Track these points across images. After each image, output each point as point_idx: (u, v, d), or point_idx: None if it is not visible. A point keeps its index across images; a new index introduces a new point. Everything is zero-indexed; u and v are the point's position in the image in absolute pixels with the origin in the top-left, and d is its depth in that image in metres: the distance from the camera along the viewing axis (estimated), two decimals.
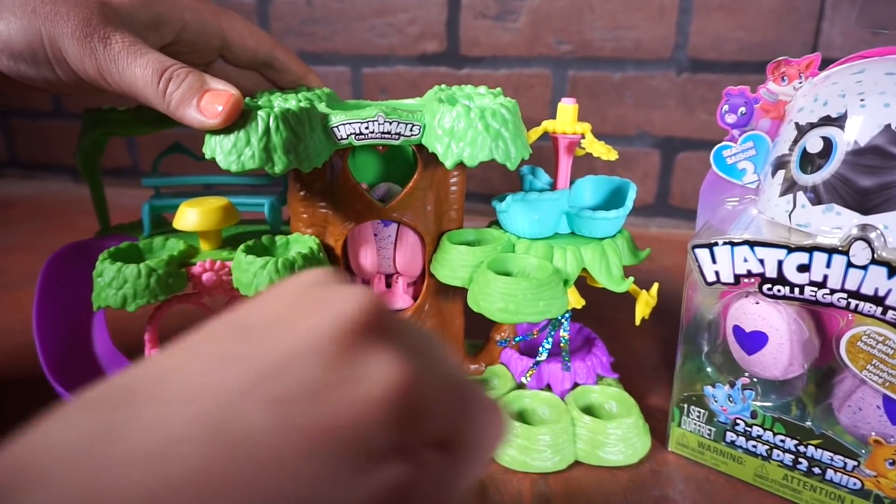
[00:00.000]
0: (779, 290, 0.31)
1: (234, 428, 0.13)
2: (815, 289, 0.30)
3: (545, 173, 0.46)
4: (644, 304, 0.39)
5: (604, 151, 0.37)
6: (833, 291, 0.29)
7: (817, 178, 0.30)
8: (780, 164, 0.32)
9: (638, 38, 0.71)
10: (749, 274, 0.32)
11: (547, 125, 0.39)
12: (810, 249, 0.29)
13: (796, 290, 0.30)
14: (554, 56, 0.75)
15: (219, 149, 0.31)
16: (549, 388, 0.41)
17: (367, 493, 0.13)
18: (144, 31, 0.33)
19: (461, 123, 0.32)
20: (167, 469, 0.12)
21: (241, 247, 0.36)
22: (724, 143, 0.36)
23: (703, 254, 0.33)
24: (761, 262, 0.31)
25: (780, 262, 0.30)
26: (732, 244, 0.32)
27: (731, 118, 0.36)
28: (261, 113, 0.31)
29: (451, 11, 0.76)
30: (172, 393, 0.13)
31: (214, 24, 0.36)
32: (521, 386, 0.41)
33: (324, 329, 0.15)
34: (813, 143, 0.30)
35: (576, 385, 0.41)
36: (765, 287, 0.31)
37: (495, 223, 0.41)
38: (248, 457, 0.12)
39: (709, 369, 0.35)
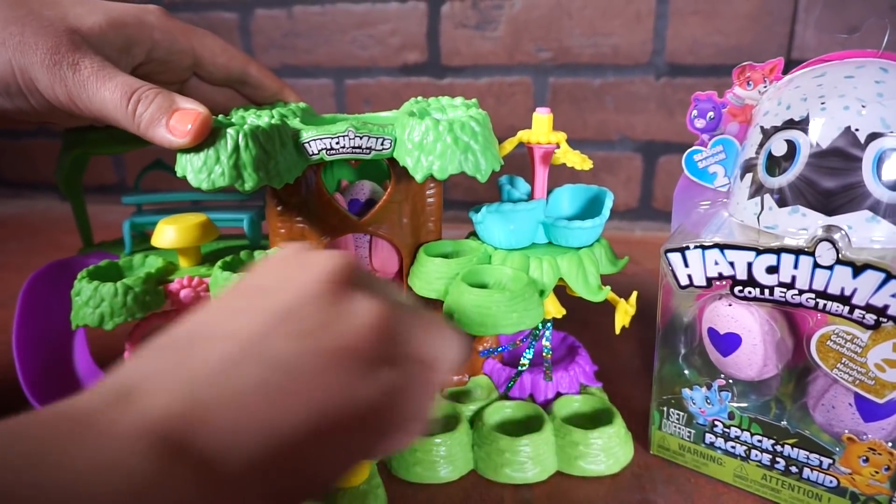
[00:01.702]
0: (750, 292, 0.31)
1: (269, 355, 0.18)
2: (785, 290, 0.30)
3: (524, 182, 0.46)
4: (623, 313, 0.39)
5: (578, 161, 0.38)
6: (801, 292, 0.30)
7: (783, 180, 0.31)
8: (748, 167, 0.33)
9: (616, 44, 0.72)
10: (720, 276, 0.32)
11: (522, 135, 0.39)
12: (778, 251, 0.30)
13: (766, 291, 0.31)
14: (534, 64, 0.75)
15: (189, 167, 0.32)
16: (531, 398, 0.41)
17: (373, 390, 0.18)
18: (115, 53, 0.33)
19: (430, 137, 0.33)
20: (235, 380, 0.17)
21: (219, 263, 0.37)
22: (694, 148, 0.37)
23: (675, 258, 0.33)
24: (731, 264, 0.31)
25: (749, 265, 0.31)
26: (703, 247, 0.32)
27: (700, 123, 0.36)
28: (230, 130, 0.31)
29: (432, 22, 0.77)
30: (218, 336, 0.18)
31: (185, 42, 0.37)
32: (504, 396, 0.41)
33: (317, 281, 0.20)
34: (778, 147, 0.31)
35: (558, 395, 0.41)
36: (736, 289, 0.32)
37: (474, 234, 0.41)
38: (286, 372, 0.17)
39: (686, 372, 0.36)
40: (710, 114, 0.36)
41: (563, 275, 0.37)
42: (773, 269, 0.30)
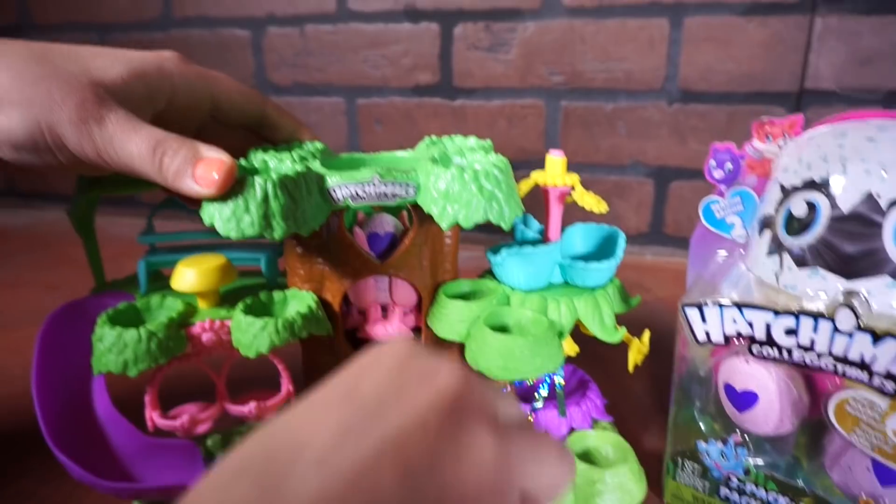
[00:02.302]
0: (768, 352, 0.32)
1: (370, 490, 0.15)
2: (804, 352, 0.30)
3: (535, 220, 0.46)
4: (636, 352, 0.39)
5: (594, 204, 0.38)
6: (821, 356, 0.30)
7: (802, 241, 0.31)
8: (767, 223, 0.33)
9: (629, 69, 0.72)
10: (738, 335, 0.32)
11: (536, 177, 0.40)
12: (797, 314, 0.30)
13: (785, 352, 0.31)
14: (546, 87, 0.75)
15: (217, 216, 0.32)
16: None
17: None
18: (138, 104, 0.34)
19: (456, 186, 0.33)
20: None
21: (240, 305, 0.37)
22: (712, 198, 0.37)
23: (692, 313, 0.33)
24: (750, 324, 0.32)
25: (768, 325, 0.31)
26: (721, 306, 0.32)
27: (718, 174, 0.36)
28: (258, 180, 0.32)
29: (444, 43, 0.77)
30: (313, 461, 0.16)
31: (203, 87, 0.37)
32: None
33: (430, 404, 0.18)
34: (798, 207, 0.31)
35: (572, 430, 0.41)
36: (754, 348, 0.32)
37: (489, 272, 0.42)
38: None
39: (701, 424, 0.36)
40: (729, 165, 0.36)
41: (581, 316, 0.38)
42: (791, 332, 0.30)
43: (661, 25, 0.69)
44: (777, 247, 0.32)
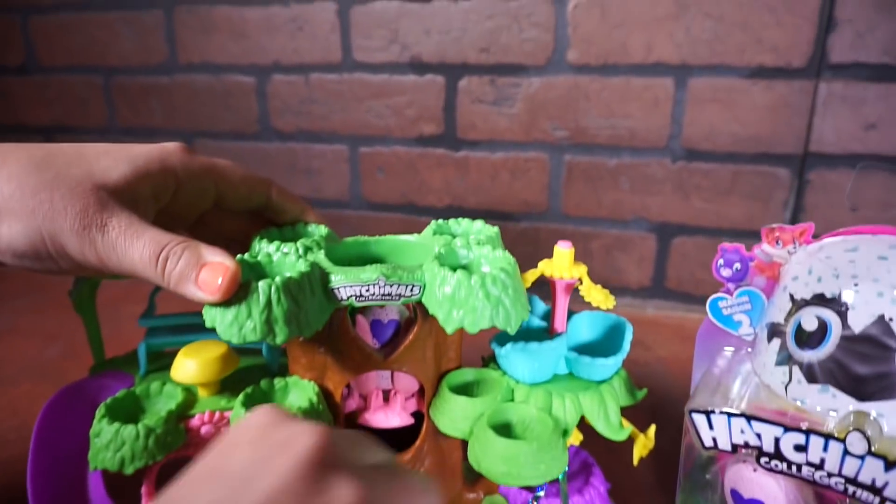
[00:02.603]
0: (776, 465, 0.31)
1: None
2: (813, 469, 0.30)
3: (540, 301, 0.46)
4: (642, 447, 0.39)
5: (602, 299, 0.38)
6: (831, 475, 0.29)
7: (813, 356, 0.30)
8: (776, 332, 0.33)
9: (633, 126, 0.72)
10: (746, 445, 0.32)
11: (544, 268, 0.39)
12: (807, 432, 0.29)
13: (794, 467, 0.30)
14: (550, 141, 0.76)
15: (219, 320, 0.31)
16: None
17: None
18: (143, 202, 0.33)
19: (462, 292, 0.33)
20: None
21: (241, 397, 0.36)
22: (719, 295, 0.37)
23: (700, 419, 0.33)
24: (758, 436, 0.31)
25: (776, 439, 0.31)
26: (730, 415, 0.32)
27: (726, 272, 0.36)
28: (261, 285, 0.31)
29: (448, 96, 0.77)
30: None
31: (207, 180, 0.37)
32: None
33: (292, 469, 0.20)
34: (808, 321, 0.31)
35: None
36: (762, 459, 0.31)
37: (493, 360, 0.41)
38: None
39: None
40: (737, 265, 0.36)
41: (585, 413, 0.37)
42: (801, 448, 0.30)
43: (666, 85, 0.70)
44: (787, 358, 0.32)
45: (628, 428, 0.37)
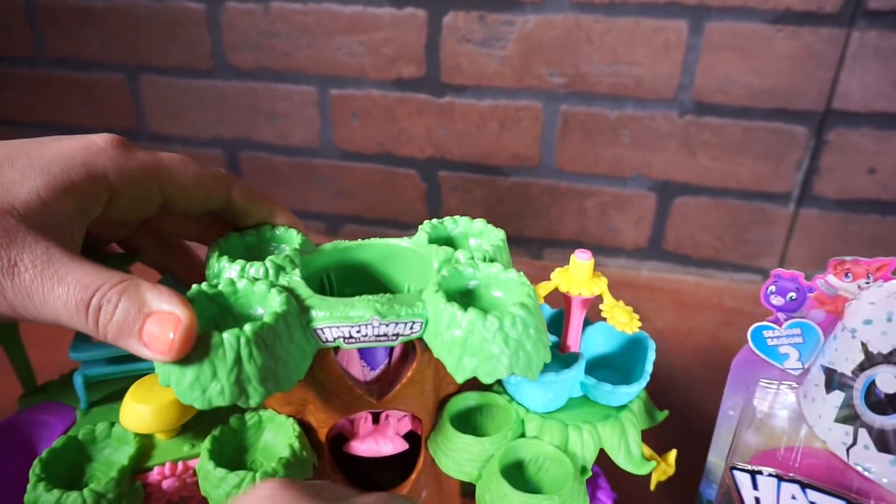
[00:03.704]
0: None
1: None
2: None
3: (547, 305, 0.40)
4: (661, 473, 0.35)
5: (627, 323, 0.32)
6: None
7: (888, 423, 0.26)
8: (840, 384, 0.28)
9: (639, 74, 0.65)
10: None
11: (559, 281, 0.34)
12: None
13: None
14: (545, 89, 0.68)
15: (175, 380, 0.25)
16: None
17: None
18: (64, 223, 0.26)
19: (475, 337, 0.27)
20: None
21: (207, 443, 0.31)
22: (765, 324, 0.32)
23: (743, 478, 0.29)
24: None
25: None
26: (780, 479, 0.28)
27: (777, 300, 0.31)
28: (228, 339, 0.25)
29: (431, 33, 0.68)
30: None
31: (149, 182, 0.29)
32: None
33: None
34: (886, 381, 0.26)
35: None
36: None
37: (499, 382, 0.36)
38: None
39: None
40: (792, 294, 0.30)
41: (605, 446, 0.33)
42: None
43: (680, 28, 0.62)
44: (852, 418, 0.27)
45: (652, 462, 0.33)
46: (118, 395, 0.32)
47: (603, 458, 0.42)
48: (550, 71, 0.67)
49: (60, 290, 0.24)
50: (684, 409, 0.52)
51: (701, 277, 0.73)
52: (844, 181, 0.64)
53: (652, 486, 0.36)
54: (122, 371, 0.35)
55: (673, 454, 0.36)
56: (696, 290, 0.71)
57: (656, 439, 0.48)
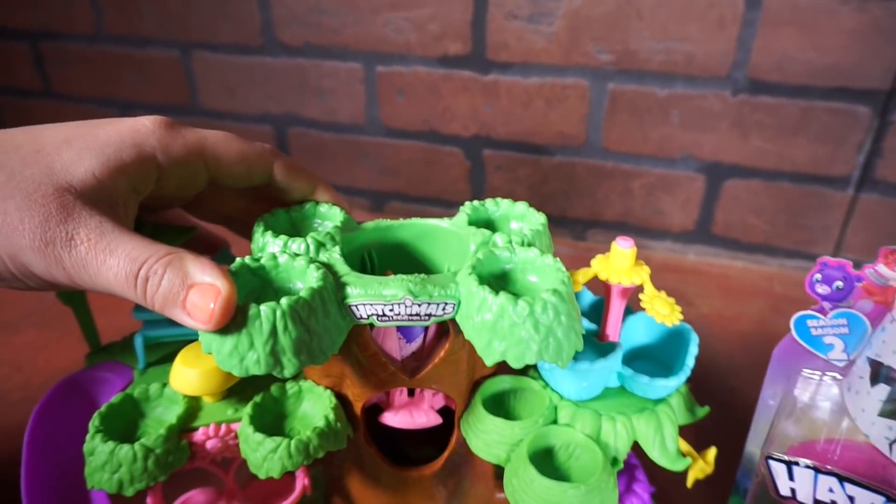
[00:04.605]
0: None
1: None
2: None
3: (588, 293, 0.40)
4: (699, 471, 0.35)
5: (668, 314, 0.32)
6: None
7: None
8: (886, 377, 0.27)
9: (691, 51, 0.62)
10: None
11: (599, 268, 0.33)
12: None
13: None
14: (592, 66, 0.66)
15: (216, 348, 0.26)
16: None
17: None
18: (118, 200, 0.27)
19: (505, 321, 0.27)
20: None
21: (249, 408, 0.32)
22: (809, 313, 0.31)
23: (779, 468, 0.28)
24: (851, 499, 0.27)
25: None
26: (817, 471, 0.27)
27: (822, 289, 0.30)
28: (265, 311, 0.26)
29: (478, 10, 0.67)
30: None
31: (195, 160, 0.30)
32: None
33: None
34: None
35: None
36: None
37: (533, 367, 0.36)
38: None
39: None
40: (839, 283, 0.29)
41: (639, 438, 0.33)
42: None
43: (735, 3, 0.59)
44: None
45: (687, 458, 0.33)
46: (171, 358, 0.34)
47: (641, 452, 0.42)
48: (598, 48, 0.65)
49: (112, 261, 0.25)
50: (726, 397, 0.51)
51: (750, 263, 0.71)
52: None
53: (689, 484, 0.35)
54: (179, 334, 0.37)
55: (712, 452, 0.35)
56: (745, 276, 0.69)
57: (696, 428, 0.48)
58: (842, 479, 0.26)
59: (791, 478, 0.28)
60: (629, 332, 0.37)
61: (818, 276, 0.30)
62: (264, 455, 0.30)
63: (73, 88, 0.90)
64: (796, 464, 0.28)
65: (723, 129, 0.65)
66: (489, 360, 0.28)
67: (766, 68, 0.61)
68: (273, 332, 0.26)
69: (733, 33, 0.60)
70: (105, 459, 0.30)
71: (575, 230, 0.76)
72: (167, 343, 0.38)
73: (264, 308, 0.26)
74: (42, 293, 0.66)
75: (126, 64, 0.85)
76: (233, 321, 0.26)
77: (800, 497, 0.28)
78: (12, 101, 0.95)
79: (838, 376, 0.31)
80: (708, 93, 0.64)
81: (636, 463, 0.41)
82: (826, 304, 0.30)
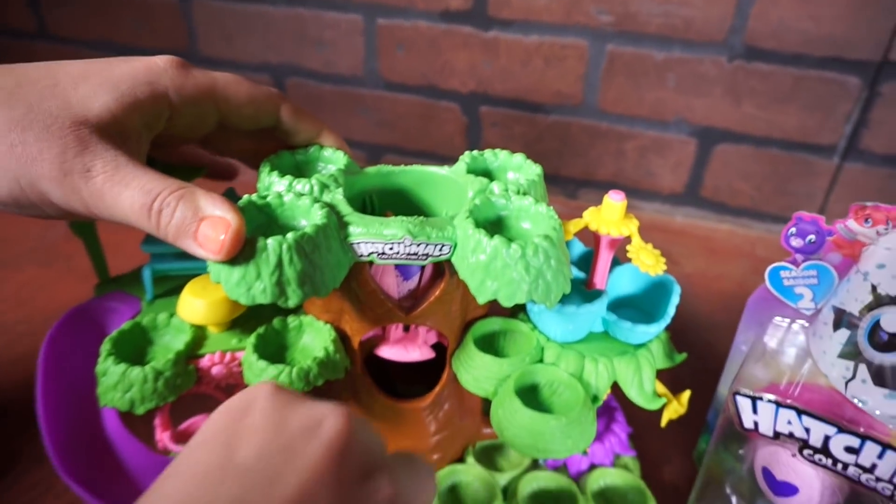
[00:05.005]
0: (820, 459, 0.29)
1: None
2: (860, 471, 0.28)
3: (579, 243, 0.42)
4: (672, 411, 0.37)
5: (652, 264, 0.34)
6: (879, 480, 0.28)
7: (887, 359, 0.27)
8: (847, 322, 0.29)
9: (690, 16, 0.63)
10: (791, 436, 0.30)
11: (590, 219, 0.35)
12: (863, 437, 0.27)
13: (839, 465, 0.29)
14: (592, 27, 0.67)
15: (225, 277, 0.28)
16: (565, 468, 0.41)
17: None
18: (131, 136, 0.29)
19: (498, 262, 0.29)
20: None
21: (252, 339, 0.34)
22: (782, 264, 0.33)
23: (744, 402, 0.31)
24: (807, 430, 0.29)
25: (826, 437, 0.29)
26: (778, 405, 0.30)
27: (796, 242, 0.32)
28: (271, 244, 0.27)
29: None
30: None
31: (206, 101, 0.31)
32: (535, 464, 0.41)
33: (323, 457, 0.19)
34: (890, 321, 0.27)
35: (592, 466, 0.41)
36: (805, 452, 0.30)
37: (523, 310, 0.38)
38: None
39: (732, 498, 0.35)
40: (811, 237, 0.31)
41: (619, 379, 0.35)
42: (852, 451, 0.28)
43: None
44: (854, 353, 0.29)
45: (662, 399, 0.35)
46: (178, 291, 0.36)
47: (620, 395, 0.45)
48: (599, 9, 0.66)
49: (127, 193, 0.27)
50: (703, 350, 0.54)
51: (735, 226, 0.73)
52: (894, 136, 0.62)
53: (663, 423, 0.38)
54: (184, 268, 0.39)
55: (686, 395, 0.38)
56: (729, 239, 0.71)
57: (672, 375, 0.50)
58: (800, 412, 0.29)
59: (755, 411, 0.31)
60: (615, 283, 0.39)
61: (793, 229, 0.32)
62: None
63: (68, 30, 0.89)
64: (760, 399, 0.30)
65: (716, 94, 0.66)
66: (482, 299, 0.30)
67: (763, 35, 0.62)
68: (279, 263, 0.28)
69: None
70: (117, 380, 0.32)
71: (567, 188, 0.78)
72: (173, 277, 0.40)
73: (271, 241, 0.28)
74: (44, 231, 0.68)
75: (124, 6, 0.84)
76: (241, 253, 0.28)
77: (761, 429, 0.31)
78: (5, 42, 0.94)
79: (805, 324, 0.33)
80: (704, 58, 0.65)
81: (616, 406, 0.44)
82: (798, 257, 0.32)
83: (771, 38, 0.62)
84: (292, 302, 0.28)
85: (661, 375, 0.37)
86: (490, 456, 0.42)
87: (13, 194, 0.26)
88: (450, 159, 0.36)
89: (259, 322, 0.36)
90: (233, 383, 0.36)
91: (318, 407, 0.22)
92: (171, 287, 0.40)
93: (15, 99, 0.26)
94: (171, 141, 0.33)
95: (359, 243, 0.30)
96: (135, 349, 0.35)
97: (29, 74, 0.27)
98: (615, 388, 0.37)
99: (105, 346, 0.34)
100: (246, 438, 0.20)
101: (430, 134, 0.79)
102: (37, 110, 0.26)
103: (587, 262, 0.41)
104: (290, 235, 0.28)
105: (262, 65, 0.82)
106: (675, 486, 0.42)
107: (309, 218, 0.30)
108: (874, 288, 0.28)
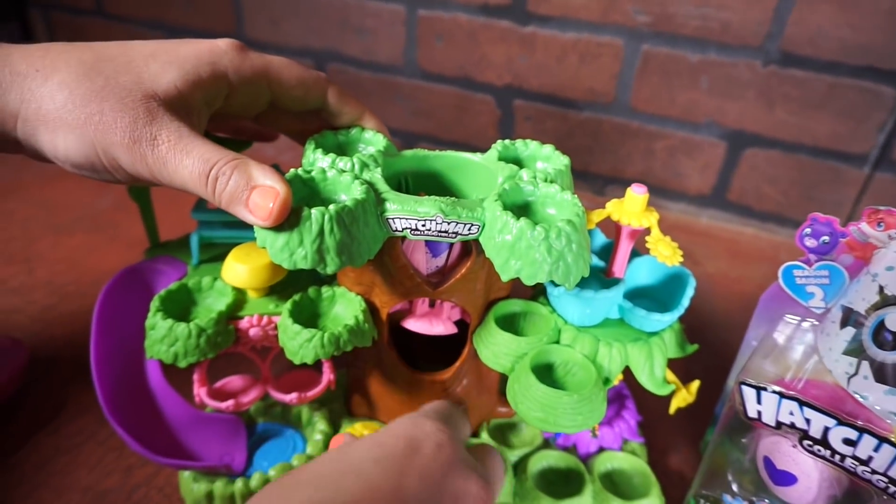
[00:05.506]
0: (819, 450, 0.31)
1: None
2: (857, 463, 0.29)
3: (601, 233, 0.44)
4: (681, 399, 0.39)
5: (669, 255, 0.35)
6: (875, 472, 0.29)
7: (888, 357, 0.29)
8: (854, 320, 0.31)
9: (727, 19, 0.64)
10: (792, 426, 0.31)
11: (612, 210, 0.37)
12: (861, 430, 0.29)
13: (837, 457, 0.30)
14: (629, 26, 0.68)
15: (270, 242, 0.31)
16: (574, 448, 0.42)
17: None
18: (194, 110, 0.31)
19: (522, 243, 0.31)
20: None
21: (288, 305, 0.37)
22: (796, 263, 0.34)
23: (749, 392, 0.32)
24: (807, 421, 0.31)
25: (826, 429, 0.30)
26: (782, 396, 0.31)
27: (810, 242, 0.33)
28: (314, 214, 0.30)
29: None
30: None
31: (261, 82, 0.34)
32: (546, 443, 0.43)
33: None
34: (894, 321, 0.29)
35: (601, 449, 0.42)
36: (805, 442, 0.31)
37: (543, 294, 0.40)
38: None
39: (734, 486, 0.36)
40: (825, 238, 0.33)
41: (631, 364, 0.37)
42: (850, 443, 0.29)
43: None
44: (857, 350, 0.30)
45: (671, 385, 0.37)
46: (222, 257, 0.39)
47: (632, 384, 0.46)
48: (636, 8, 0.67)
49: (187, 161, 0.29)
50: (717, 347, 0.55)
51: (760, 231, 0.74)
52: None
53: (671, 411, 0.40)
54: (229, 236, 0.41)
55: (695, 384, 0.39)
56: (753, 242, 0.72)
57: (684, 369, 0.52)
58: (801, 404, 0.30)
59: (759, 401, 0.32)
60: (633, 273, 0.41)
61: (808, 230, 0.33)
62: (301, 343, 0.35)
63: (122, 9, 0.93)
64: (765, 388, 0.31)
65: (749, 98, 0.67)
66: (505, 276, 0.32)
67: (799, 42, 0.62)
68: (321, 232, 0.30)
69: (771, 4, 0.62)
70: (164, 334, 0.35)
71: (595, 185, 0.79)
72: (217, 244, 0.43)
73: (315, 211, 0.30)
74: (94, 200, 0.71)
75: None
76: (287, 221, 0.30)
77: (764, 419, 0.32)
78: (64, 18, 0.98)
79: (815, 322, 0.34)
80: (739, 61, 0.65)
81: (627, 394, 0.46)
82: (812, 256, 0.33)
83: (807, 45, 0.62)
84: (330, 269, 0.31)
85: (675, 369, 0.39)
86: (504, 433, 0.44)
87: (90, 159, 0.29)
88: (482, 150, 0.38)
89: (295, 290, 0.38)
90: (268, 345, 0.39)
91: (469, 481, 0.27)
92: (215, 254, 0.43)
93: (95, 73, 0.28)
94: (227, 118, 0.36)
95: (394, 219, 0.32)
96: (180, 308, 0.38)
97: (106, 51, 0.30)
98: (628, 377, 0.39)
99: (154, 303, 0.37)
100: (412, 477, 0.25)
101: (464, 125, 0.81)
102: (113, 84, 0.28)
103: (608, 252, 0.43)
104: (332, 207, 0.30)
105: (303, 49, 0.85)
106: (680, 474, 0.44)
107: (349, 193, 0.33)
108: (882, 289, 0.29)
